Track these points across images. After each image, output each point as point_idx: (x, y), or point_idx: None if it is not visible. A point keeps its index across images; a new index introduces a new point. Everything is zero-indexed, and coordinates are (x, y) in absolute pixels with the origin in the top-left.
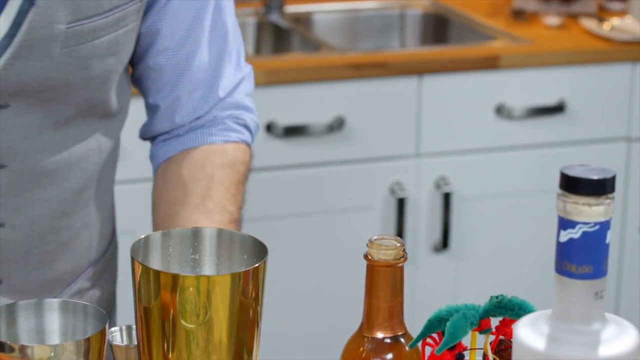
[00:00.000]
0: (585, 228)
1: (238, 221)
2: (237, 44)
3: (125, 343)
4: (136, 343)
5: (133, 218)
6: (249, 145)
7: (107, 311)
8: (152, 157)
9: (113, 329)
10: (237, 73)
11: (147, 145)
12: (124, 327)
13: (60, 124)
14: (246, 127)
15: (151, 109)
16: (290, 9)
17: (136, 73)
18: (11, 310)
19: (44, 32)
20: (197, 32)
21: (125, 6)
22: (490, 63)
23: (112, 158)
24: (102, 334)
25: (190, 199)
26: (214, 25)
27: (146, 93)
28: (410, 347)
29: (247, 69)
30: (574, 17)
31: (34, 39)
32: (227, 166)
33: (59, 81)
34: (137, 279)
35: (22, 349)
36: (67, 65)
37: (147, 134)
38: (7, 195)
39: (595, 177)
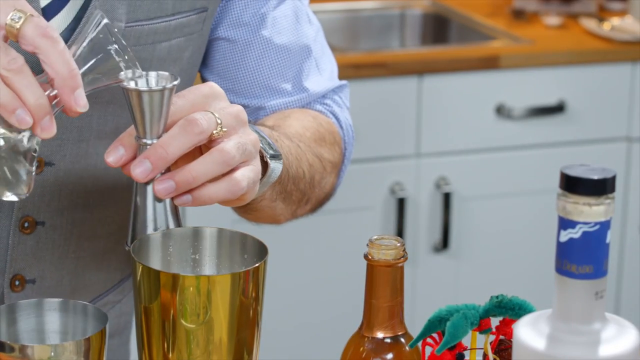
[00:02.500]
0: (586, 228)
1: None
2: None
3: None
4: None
5: None
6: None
7: (130, 324)
8: None
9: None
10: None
11: None
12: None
13: (116, 130)
14: (335, 116)
15: None
16: None
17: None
18: (11, 310)
19: None
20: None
21: (189, 13)
22: (490, 63)
23: None
24: (102, 334)
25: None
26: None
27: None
28: (410, 347)
29: (342, 83)
30: (574, 17)
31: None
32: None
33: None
34: (138, 279)
35: (22, 348)
36: None
37: None
38: (51, 193)
39: (595, 177)
